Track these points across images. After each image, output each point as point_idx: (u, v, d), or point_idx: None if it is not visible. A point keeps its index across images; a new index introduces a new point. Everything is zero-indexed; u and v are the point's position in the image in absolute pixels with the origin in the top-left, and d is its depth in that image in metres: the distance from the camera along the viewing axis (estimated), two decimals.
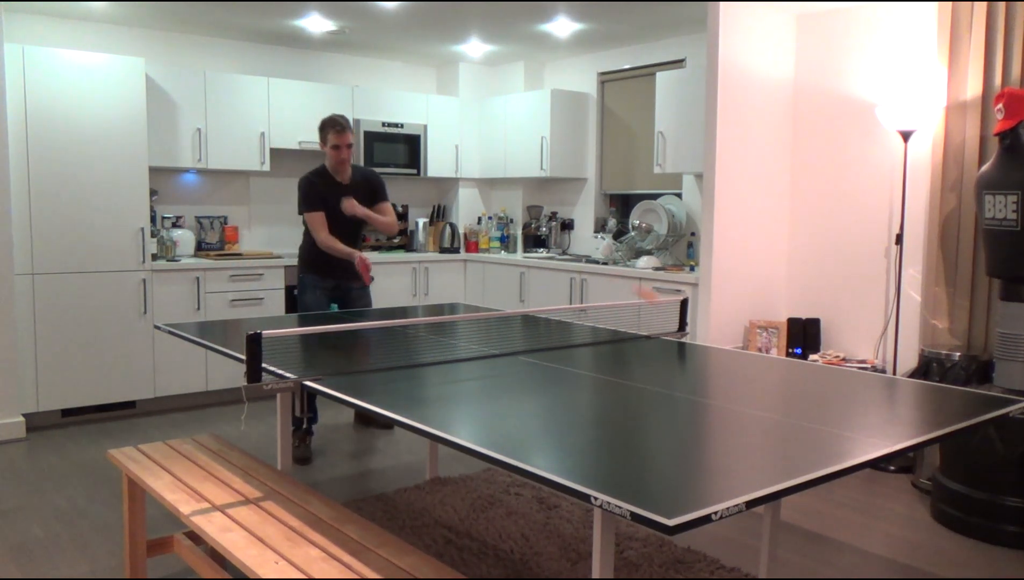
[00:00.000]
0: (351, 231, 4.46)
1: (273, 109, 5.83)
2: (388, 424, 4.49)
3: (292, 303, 5.65)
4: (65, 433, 4.80)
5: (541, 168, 6.30)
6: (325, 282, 4.46)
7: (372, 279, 4.37)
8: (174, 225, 5.75)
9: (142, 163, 5.10)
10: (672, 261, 5.61)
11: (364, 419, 5.03)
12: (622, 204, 6.48)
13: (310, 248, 4.44)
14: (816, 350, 4.76)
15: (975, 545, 3.32)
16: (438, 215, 7.04)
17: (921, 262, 4.39)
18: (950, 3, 4.13)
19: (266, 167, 5.82)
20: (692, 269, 5.16)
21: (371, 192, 4.48)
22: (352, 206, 4.31)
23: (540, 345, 3.02)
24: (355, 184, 4.43)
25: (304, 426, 4.47)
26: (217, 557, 2.89)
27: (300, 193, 4.35)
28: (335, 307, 4.56)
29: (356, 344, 3.01)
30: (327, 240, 4.30)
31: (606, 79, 6.41)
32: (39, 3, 5.03)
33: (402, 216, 6.83)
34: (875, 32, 4.56)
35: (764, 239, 4.91)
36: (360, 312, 4.01)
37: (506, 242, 6.83)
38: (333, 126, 4.26)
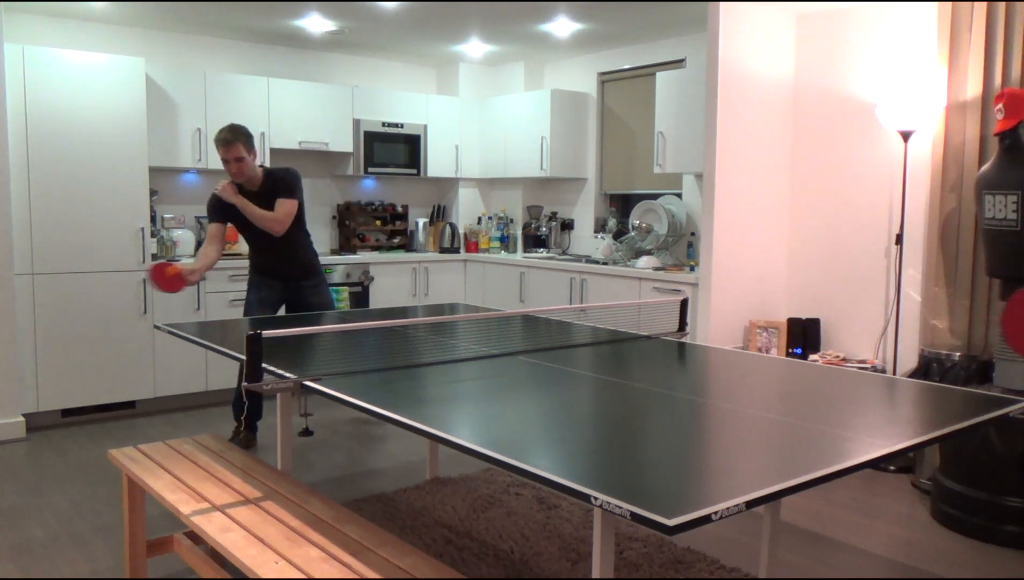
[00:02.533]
0: (271, 238, 4.32)
1: (273, 109, 5.83)
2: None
3: None
4: (65, 433, 4.79)
5: (541, 168, 6.30)
6: (274, 282, 4.44)
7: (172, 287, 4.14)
8: (174, 225, 5.75)
9: (142, 163, 5.10)
10: (672, 261, 5.61)
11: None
12: (622, 204, 6.48)
13: (251, 255, 4.47)
14: (816, 350, 4.76)
15: (975, 545, 3.32)
16: (438, 215, 7.04)
17: (921, 262, 4.39)
18: (950, 3, 4.13)
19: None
20: (692, 269, 5.16)
21: (275, 192, 4.30)
22: (224, 191, 4.21)
23: (540, 345, 3.02)
24: (265, 189, 4.30)
25: (244, 415, 4.58)
26: (217, 557, 2.89)
27: (207, 205, 4.31)
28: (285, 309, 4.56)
29: (356, 344, 3.01)
30: (202, 250, 4.22)
31: (606, 79, 6.41)
32: (39, 3, 5.03)
33: (402, 216, 6.83)
34: (875, 32, 4.56)
35: (764, 239, 4.91)
36: (355, 313, 4.01)
37: (506, 242, 6.83)
38: (218, 142, 4.13)
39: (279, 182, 4.29)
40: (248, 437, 4.57)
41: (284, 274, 4.46)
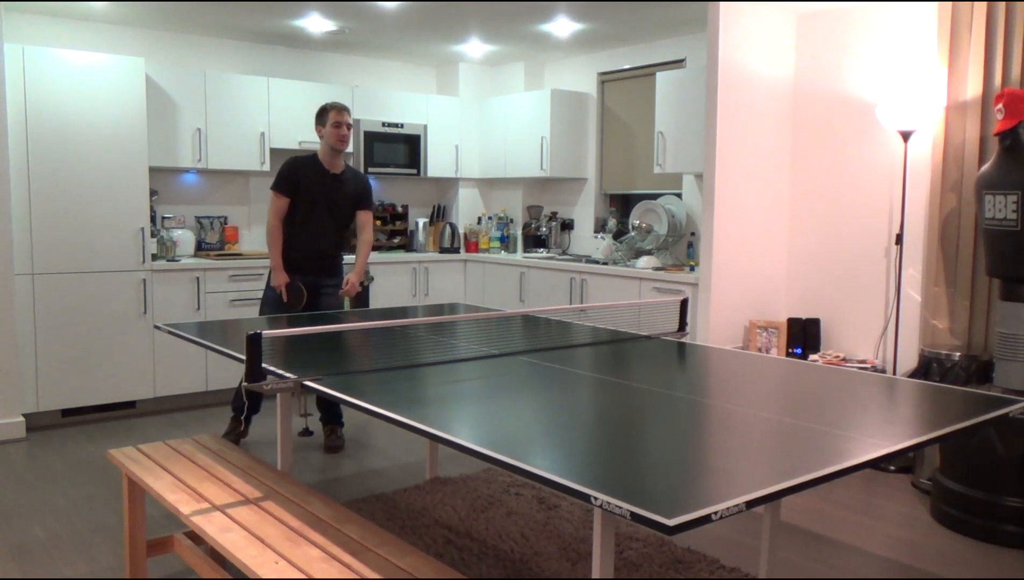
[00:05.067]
0: (329, 226, 4.41)
1: (273, 109, 5.83)
2: (335, 448, 4.56)
3: None
4: (65, 433, 4.79)
5: (541, 168, 6.30)
6: (293, 279, 4.37)
7: (294, 304, 4.34)
8: (174, 225, 5.76)
9: (142, 163, 5.10)
10: (672, 261, 5.61)
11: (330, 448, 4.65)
12: (622, 204, 6.48)
13: (285, 239, 4.38)
14: (816, 350, 4.76)
15: (975, 545, 3.32)
16: (438, 215, 7.04)
17: (921, 262, 4.39)
18: (950, 3, 4.13)
19: (266, 167, 5.82)
20: (692, 269, 5.16)
21: (358, 195, 4.47)
22: (352, 289, 4.51)
23: (540, 345, 3.02)
24: (345, 179, 4.43)
25: (244, 414, 4.57)
26: (217, 557, 2.89)
27: (280, 170, 4.35)
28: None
29: (356, 344, 3.01)
30: (273, 227, 4.32)
31: (606, 79, 6.41)
32: (39, 3, 5.03)
33: (402, 216, 6.83)
34: (875, 32, 4.56)
35: (764, 239, 4.91)
36: (355, 313, 4.01)
37: (506, 242, 6.83)
38: (334, 106, 4.34)
39: (366, 192, 4.52)
40: (244, 432, 4.57)
41: (313, 268, 4.40)
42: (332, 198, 4.38)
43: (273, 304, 4.37)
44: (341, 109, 4.33)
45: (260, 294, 5.54)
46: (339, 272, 4.54)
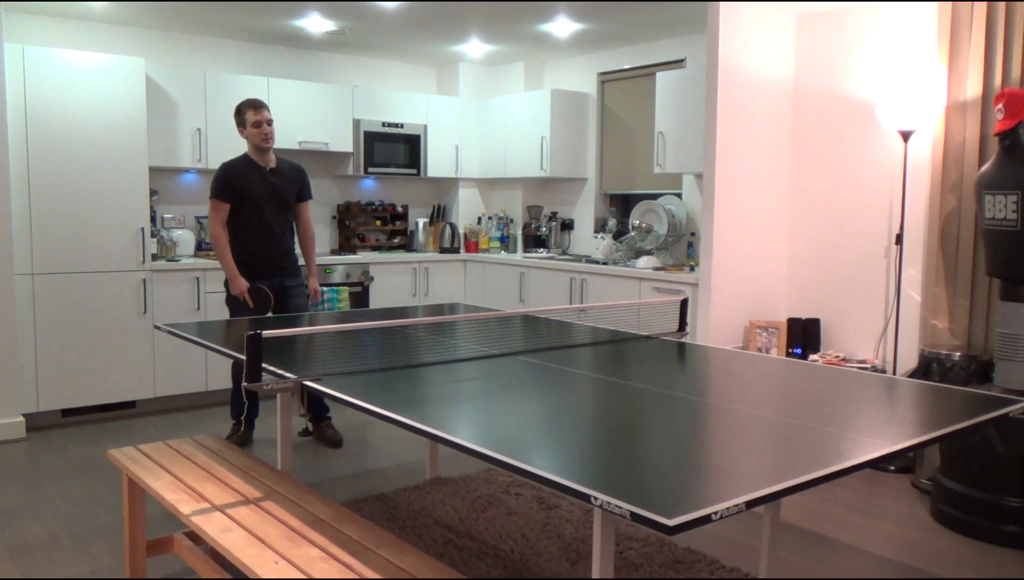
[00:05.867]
0: (282, 223, 4.34)
1: (273, 109, 5.82)
2: (337, 441, 4.55)
3: None
4: (65, 433, 4.79)
5: (541, 168, 6.30)
6: (254, 283, 4.29)
7: (258, 308, 4.26)
8: (174, 225, 5.75)
9: (142, 163, 5.10)
10: (672, 261, 5.61)
11: (321, 438, 4.66)
12: (622, 204, 6.48)
13: (237, 245, 4.31)
14: (816, 350, 4.76)
15: (975, 545, 3.32)
16: (438, 215, 7.04)
17: (921, 262, 4.39)
18: (950, 3, 4.13)
19: None
20: (692, 269, 5.16)
21: (298, 186, 4.42)
22: (319, 295, 4.60)
23: (540, 345, 3.02)
24: (281, 172, 4.34)
25: (244, 415, 4.58)
26: (217, 557, 2.88)
27: (214, 176, 4.24)
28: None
29: (356, 344, 3.01)
30: (218, 236, 4.22)
31: (606, 79, 6.41)
32: (39, 3, 5.03)
33: (402, 216, 6.83)
34: (875, 32, 4.56)
35: (764, 239, 4.91)
36: (355, 313, 4.01)
37: (506, 242, 6.83)
38: (250, 105, 4.22)
39: (305, 182, 4.48)
40: (246, 435, 4.57)
41: (272, 269, 4.34)
42: (278, 194, 4.31)
43: (240, 314, 4.27)
44: (259, 107, 4.21)
45: None
46: (298, 271, 4.47)
